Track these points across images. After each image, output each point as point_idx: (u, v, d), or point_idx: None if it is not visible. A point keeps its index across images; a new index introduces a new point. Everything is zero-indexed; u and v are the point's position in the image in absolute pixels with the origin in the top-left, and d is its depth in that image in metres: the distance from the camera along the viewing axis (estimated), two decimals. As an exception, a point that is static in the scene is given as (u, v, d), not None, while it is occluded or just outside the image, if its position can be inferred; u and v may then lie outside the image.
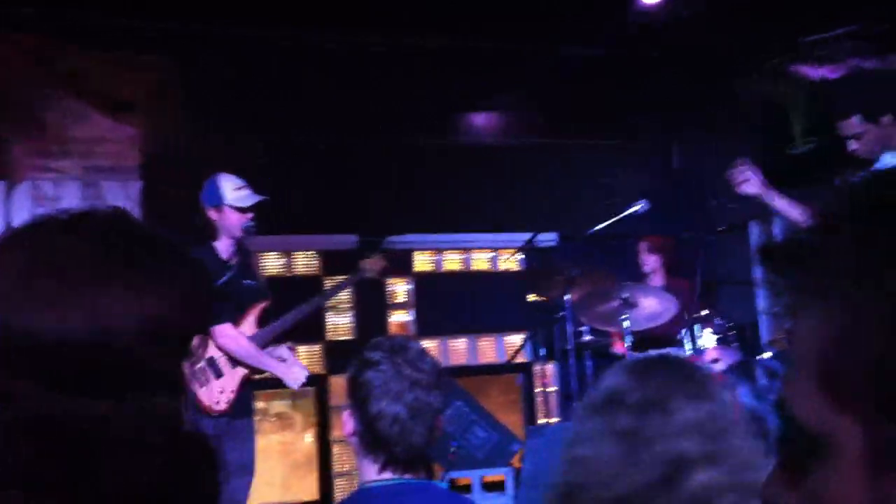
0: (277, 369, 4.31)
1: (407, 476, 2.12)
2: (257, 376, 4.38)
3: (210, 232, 4.31)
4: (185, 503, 0.91)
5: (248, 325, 4.29)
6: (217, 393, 4.10)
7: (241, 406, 4.23)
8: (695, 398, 1.37)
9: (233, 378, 4.20)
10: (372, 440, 2.13)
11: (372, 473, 2.13)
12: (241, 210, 4.27)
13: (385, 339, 2.26)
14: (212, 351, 4.15)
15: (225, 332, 4.15)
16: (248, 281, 4.32)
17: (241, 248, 4.32)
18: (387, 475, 2.13)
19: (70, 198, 6.11)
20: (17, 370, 0.89)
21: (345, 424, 2.20)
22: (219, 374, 4.14)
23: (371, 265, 4.79)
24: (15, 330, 0.90)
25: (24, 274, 0.93)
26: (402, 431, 2.09)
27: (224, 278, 4.12)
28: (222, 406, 4.12)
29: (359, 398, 2.14)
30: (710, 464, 1.32)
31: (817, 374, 0.63)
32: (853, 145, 3.90)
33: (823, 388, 0.62)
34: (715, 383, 1.43)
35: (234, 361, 4.20)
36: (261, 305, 4.32)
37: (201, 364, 4.09)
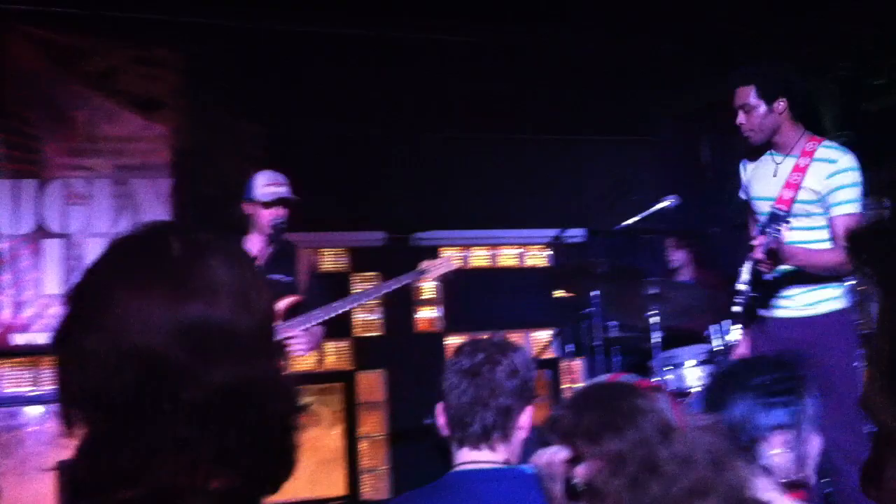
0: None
1: (483, 451, 2.27)
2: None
3: (245, 227, 4.37)
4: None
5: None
6: None
7: None
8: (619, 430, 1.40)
9: None
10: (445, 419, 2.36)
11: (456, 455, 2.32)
12: (267, 206, 4.30)
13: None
14: None
15: None
16: (278, 275, 4.32)
17: (277, 243, 4.33)
18: (464, 453, 2.30)
19: (101, 196, 6.16)
20: (178, 353, 1.03)
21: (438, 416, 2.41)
22: None
23: (437, 266, 4.55)
24: (164, 319, 1.03)
25: (178, 265, 1.08)
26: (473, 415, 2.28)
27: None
28: None
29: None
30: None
31: (888, 371, 0.63)
32: (740, 118, 3.95)
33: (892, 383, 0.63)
34: (640, 413, 1.44)
35: None
36: (289, 300, 4.28)
37: None
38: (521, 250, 7.31)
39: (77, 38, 6.09)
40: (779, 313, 4.00)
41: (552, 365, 6.94)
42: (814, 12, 6.27)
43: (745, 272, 3.87)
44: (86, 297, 1.08)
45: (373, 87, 6.60)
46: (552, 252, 6.90)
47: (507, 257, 7.31)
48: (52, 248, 6.03)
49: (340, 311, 4.32)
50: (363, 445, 6.40)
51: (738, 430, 1.90)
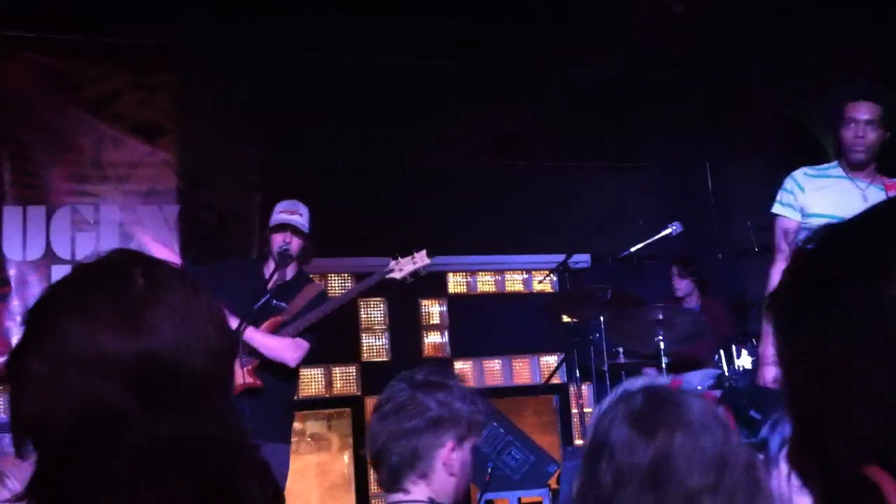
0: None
1: (404, 494, 2.23)
2: (250, 381, 4.20)
3: (265, 253, 4.40)
4: None
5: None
6: None
7: (265, 430, 3.96)
8: (702, 451, 1.36)
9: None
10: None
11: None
12: (273, 231, 4.32)
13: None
14: None
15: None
16: (280, 303, 4.32)
17: (293, 272, 4.37)
18: (391, 497, 2.26)
19: (109, 222, 6.18)
20: (124, 391, 0.98)
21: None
22: None
23: (406, 264, 4.48)
24: (113, 354, 0.98)
25: (116, 303, 1.02)
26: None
27: (259, 302, 4.12)
28: None
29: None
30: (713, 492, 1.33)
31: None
32: (863, 131, 3.95)
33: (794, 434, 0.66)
34: (714, 419, 1.43)
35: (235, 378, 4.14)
36: (272, 320, 4.26)
37: None
38: (528, 275, 7.33)
39: (75, 63, 6.13)
40: None
41: (560, 390, 6.94)
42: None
43: None
44: (37, 320, 1.03)
45: (378, 114, 6.64)
46: (557, 278, 6.92)
47: (514, 282, 7.33)
48: (60, 273, 6.00)
49: (315, 319, 4.29)
50: (372, 470, 6.39)
51: None
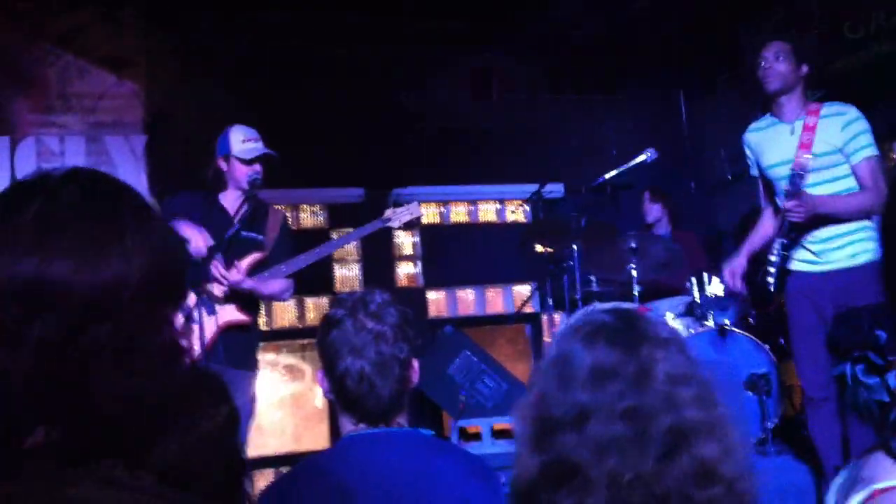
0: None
1: (380, 426, 2.13)
2: (240, 318, 4.19)
3: (219, 183, 4.30)
4: (193, 427, 1.05)
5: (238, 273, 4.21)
6: (195, 339, 3.99)
7: (231, 356, 4.07)
8: (680, 365, 1.36)
9: (211, 325, 4.14)
10: (343, 399, 2.14)
11: (350, 426, 2.15)
12: (246, 162, 4.24)
13: (348, 295, 2.23)
14: (190, 301, 4.04)
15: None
16: (252, 234, 4.28)
17: (251, 200, 4.28)
18: (361, 427, 2.14)
19: (74, 153, 6.09)
20: (21, 309, 1.01)
21: (320, 384, 2.20)
22: (200, 321, 4.02)
23: (401, 214, 4.50)
24: (35, 277, 1.01)
25: (33, 223, 1.04)
26: (369, 387, 2.09)
27: (230, 231, 4.09)
28: (198, 351, 4.02)
29: (326, 358, 2.15)
30: (709, 434, 1.31)
31: None
32: (769, 62, 4.18)
33: None
34: (684, 342, 1.42)
35: (209, 309, 4.13)
36: (253, 256, 4.23)
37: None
38: (501, 206, 7.31)
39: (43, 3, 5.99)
40: (818, 268, 4.13)
41: (533, 319, 6.98)
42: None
43: (780, 236, 4.16)
44: None
45: (352, 47, 6.53)
46: (530, 208, 6.90)
47: (487, 212, 7.31)
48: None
49: (305, 265, 4.29)
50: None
51: None
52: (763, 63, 4.18)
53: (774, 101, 4.24)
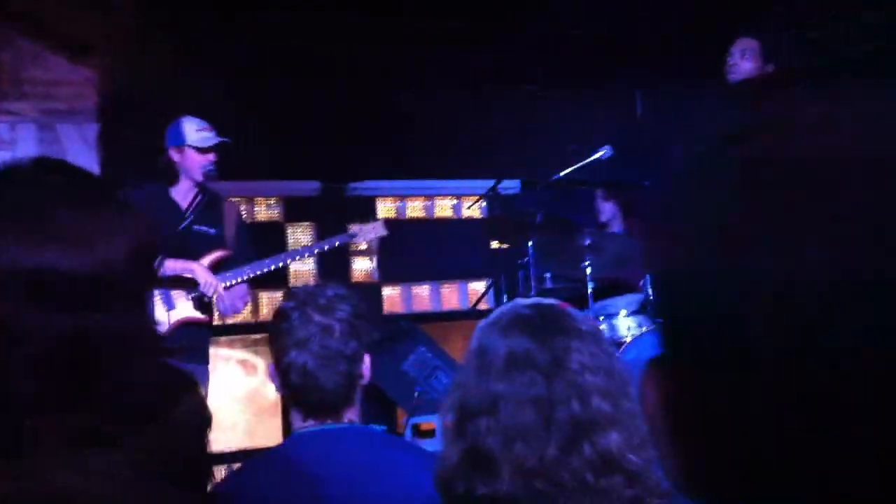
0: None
1: (328, 422, 2.10)
2: (197, 316, 4.18)
3: (170, 175, 4.23)
4: (175, 414, 1.07)
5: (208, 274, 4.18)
6: None
7: (184, 350, 4.05)
8: (595, 356, 1.39)
9: (167, 319, 4.11)
10: (290, 393, 2.12)
11: (299, 422, 2.13)
12: (202, 151, 4.19)
13: (301, 288, 2.22)
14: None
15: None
16: (204, 227, 4.23)
17: (205, 193, 4.23)
18: (310, 423, 2.11)
19: (26, 141, 5.99)
20: (19, 300, 1.01)
21: (272, 379, 2.19)
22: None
23: (367, 231, 4.55)
24: (29, 265, 1.01)
25: (19, 212, 1.05)
26: (313, 380, 2.07)
27: (182, 224, 4.05)
28: None
29: (274, 352, 2.14)
30: (614, 425, 1.35)
31: None
32: (735, 58, 4.30)
33: None
34: (602, 334, 1.47)
35: (168, 304, 4.10)
36: (217, 254, 4.20)
37: None
38: (457, 201, 7.31)
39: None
40: None
41: (488, 315, 6.98)
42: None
43: None
44: None
45: (308, 38, 6.48)
46: (487, 203, 6.91)
47: (443, 208, 7.31)
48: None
49: (268, 269, 4.26)
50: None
51: None
52: (729, 59, 4.29)
53: None
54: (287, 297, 2.21)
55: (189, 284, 4.10)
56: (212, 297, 4.09)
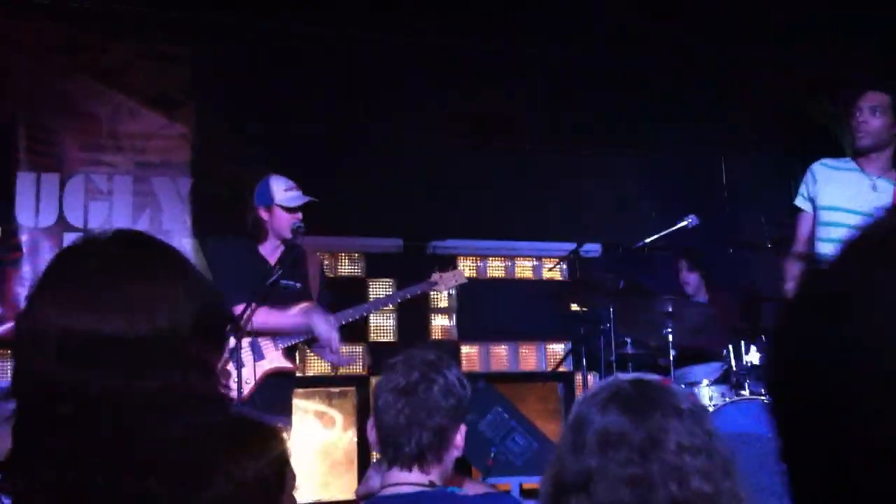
0: (311, 320, 4.15)
1: (413, 473, 2.15)
2: (286, 366, 4.25)
3: (258, 232, 4.33)
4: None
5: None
6: (236, 383, 4.01)
7: (270, 402, 4.11)
8: (694, 435, 1.37)
9: (254, 370, 4.16)
10: (379, 435, 2.21)
11: (375, 480, 2.23)
12: (290, 210, 4.28)
13: (413, 347, 2.31)
14: (233, 343, 4.06)
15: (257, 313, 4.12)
16: (290, 282, 4.30)
17: (291, 249, 4.32)
18: (389, 480, 2.16)
19: (122, 192, 6.19)
20: (80, 364, 1.08)
21: (369, 435, 2.27)
22: (240, 365, 4.05)
23: (447, 279, 4.63)
24: (79, 331, 1.09)
25: (99, 285, 1.13)
26: (406, 426, 2.14)
27: (271, 279, 4.12)
28: (243, 394, 4.05)
29: (375, 397, 2.24)
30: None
31: None
32: (865, 116, 4.00)
33: None
34: (704, 412, 1.45)
35: (257, 354, 4.16)
36: (303, 306, 4.26)
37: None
38: (537, 262, 7.31)
39: (87, 32, 6.13)
40: None
41: (566, 378, 6.93)
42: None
43: None
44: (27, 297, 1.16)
45: (394, 95, 6.62)
46: (567, 266, 6.89)
47: (523, 268, 7.32)
48: (72, 241, 6.06)
49: (351, 320, 4.33)
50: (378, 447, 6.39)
51: None
52: (858, 115, 4.01)
53: (854, 147, 4.08)
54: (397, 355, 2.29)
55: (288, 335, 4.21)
56: (327, 346, 4.15)
